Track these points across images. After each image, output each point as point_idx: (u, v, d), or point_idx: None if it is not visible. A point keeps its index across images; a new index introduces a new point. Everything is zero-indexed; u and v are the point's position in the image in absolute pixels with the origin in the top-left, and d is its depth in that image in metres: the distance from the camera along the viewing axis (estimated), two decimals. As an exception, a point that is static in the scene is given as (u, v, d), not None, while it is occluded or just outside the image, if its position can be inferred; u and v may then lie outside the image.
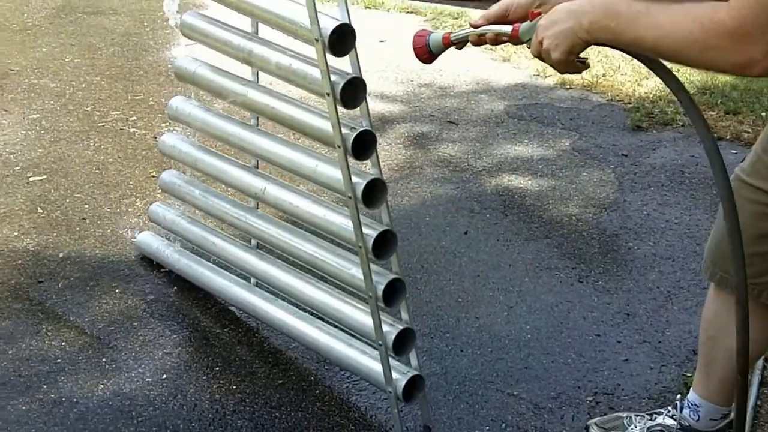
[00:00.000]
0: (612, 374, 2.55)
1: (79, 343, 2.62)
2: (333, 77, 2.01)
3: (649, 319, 2.83)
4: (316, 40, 1.97)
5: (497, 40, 1.61)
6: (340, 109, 2.04)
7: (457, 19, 6.31)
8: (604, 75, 5.10)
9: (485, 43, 1.64)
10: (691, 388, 2.18)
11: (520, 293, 2.96)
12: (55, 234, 3.22)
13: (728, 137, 4.26)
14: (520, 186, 3.74)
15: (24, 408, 2.34)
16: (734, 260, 1.41)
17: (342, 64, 2.05)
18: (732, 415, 2.17)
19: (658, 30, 1.34)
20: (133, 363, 2.54)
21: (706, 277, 2.03)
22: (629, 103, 4.74)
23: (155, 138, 4.11)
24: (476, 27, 1.62)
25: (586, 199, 3.65)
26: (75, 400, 2.38)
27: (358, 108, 2.09)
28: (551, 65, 1.50)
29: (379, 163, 2.14)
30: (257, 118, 2.54)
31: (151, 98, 4.65)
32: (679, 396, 2.28)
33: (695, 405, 2.15)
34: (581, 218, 3.48)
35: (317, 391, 2.46)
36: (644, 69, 5.19)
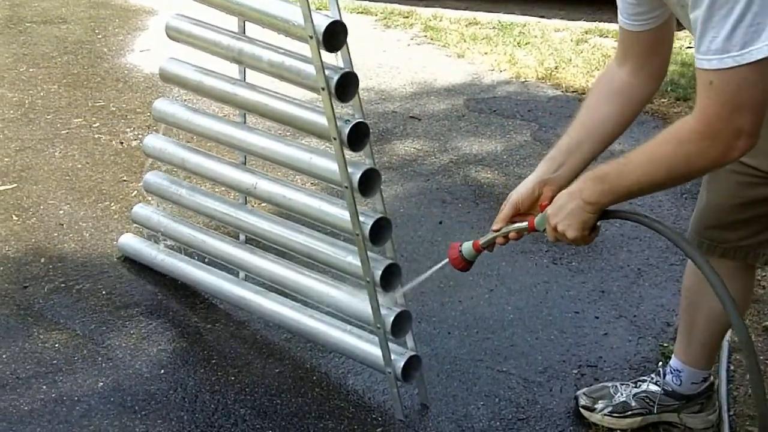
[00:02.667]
0: (594, 348, 2.68)
1: (73, 344, 2.65)
2: (327, 72, 2.08)
3: (623, 295, 2.97)
4: (311, 37, 2.04)
5: (519, 235, 1.83)
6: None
7: (407, 18, 6.40)
8: (556, 68, 5.25)
9: (509, 241, 1.84)
10: (672, 355, 2.31)
11: (499, 276, 3.07)
12: (33, 240, 3.24)
13: (680, 123, 4.43)
14: (487, 176, 3.86)
15: (26, 408, 2.37)
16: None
17: (328, 59, 2.12)
18: (711, 378, 2.31)
19: (643, 167, 1.54)
20: (129, 360, 2.59)
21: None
22: (582, 93, 4.88)
23: (121, 143, 4.14)
24: (497, 230, 1.84)
25: (551, 186, 3.77)
26: (76, 398, 2.42)
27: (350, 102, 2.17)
28: (570, 243, 1.69)
29: (372, 154, 2.22)
30: (244, 115, 2.61)
31: (112, 104, 4.65)
32: (660, 363, 2.41)
33: (677, 370, 2.27)
34: (549, 204, 3.60)
35: (314, 378, 2.53)
36: (594, 61, 5.33)
